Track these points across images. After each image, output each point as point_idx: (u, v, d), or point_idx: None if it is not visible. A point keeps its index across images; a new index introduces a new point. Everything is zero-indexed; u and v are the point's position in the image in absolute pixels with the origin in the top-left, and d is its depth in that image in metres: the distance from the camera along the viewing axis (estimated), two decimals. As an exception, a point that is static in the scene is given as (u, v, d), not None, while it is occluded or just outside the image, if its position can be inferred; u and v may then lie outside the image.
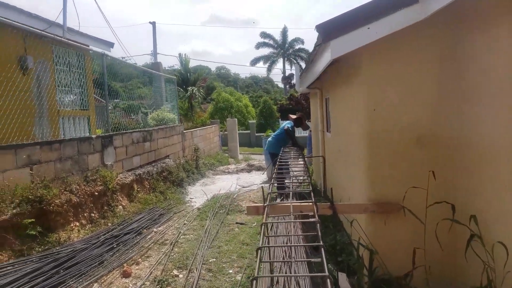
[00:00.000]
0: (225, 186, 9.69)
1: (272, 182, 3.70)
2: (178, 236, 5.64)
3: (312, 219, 2.69)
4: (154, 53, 20.91)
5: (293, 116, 8.16)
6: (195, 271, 4.35)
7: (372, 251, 3.27)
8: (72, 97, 7.94)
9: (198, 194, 9.06)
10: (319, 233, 2.45)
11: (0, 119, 4.95)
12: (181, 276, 4.28)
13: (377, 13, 2.91)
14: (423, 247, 3.03)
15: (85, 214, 5.56)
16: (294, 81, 19.08)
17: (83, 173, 5.84)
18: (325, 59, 3.45)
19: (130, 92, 10.08)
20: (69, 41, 6.74)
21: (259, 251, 2.26)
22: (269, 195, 3.43)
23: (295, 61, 41.54)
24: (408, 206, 3.14)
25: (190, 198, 8.65)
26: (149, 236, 5.69)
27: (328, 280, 1.72)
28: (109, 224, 5.85)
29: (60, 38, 6.60)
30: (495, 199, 2.66)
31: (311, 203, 3.28)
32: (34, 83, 6.43)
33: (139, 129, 8.30)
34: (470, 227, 2.73)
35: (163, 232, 5.90)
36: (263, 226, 2.62)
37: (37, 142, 5.07)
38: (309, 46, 45.27)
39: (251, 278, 1.90)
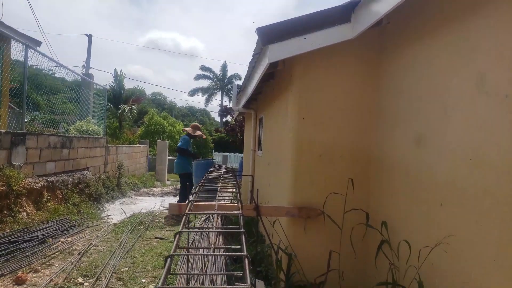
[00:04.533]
0: (147, 207, 9.17)
1: (200, 184, 3.58)
2: (88, 247, 5.13)
3: (236, 212, 2.61)
4: (87, 66, 19.87)
5: (187, 129, 8.68)
6: (103, 279, 3.94)
7: (291, 255, 3.27)
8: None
9: (116, 212, 8.45)
10: (241, 223, 2.38)
11: None
12: (86, 284, 3.85)
13: (314, 26, 3.11)
14: (338, 252, 3.11)
15: (-22, 216, 4.84)
16: (230, 115, 19.32)
17: (-17, 169, 5.14)
18: (263, 65, 3.56)
19: (53, 106, 9.27)
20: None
21: (178, 235, 2.12)
22: (194, 194, 3.30)
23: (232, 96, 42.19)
24: (327, 212, 3.25)
25: (107, 215, 8.03)
26: (54, 246, 5.09)
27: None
28: (7, 230, 5.14)
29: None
30: (399, 206, 2.88)
31: (236, 203, 3.22)
32: None
33: (58, 134, 7.64)
34: (381, 232, 2.89)
35: (72, 242, 5.33)
36: (184, 217, 2.48)
37: None
38: (247, 83, 46.61)
39: (166, 256, 1.62)
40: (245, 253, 1.87)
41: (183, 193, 8.22)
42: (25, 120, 8.01)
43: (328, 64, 3.46)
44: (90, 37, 23.85)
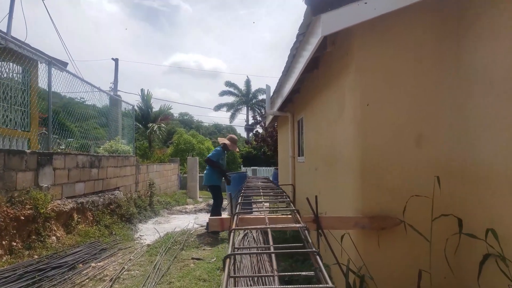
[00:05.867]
0: (181, 225, 8.74)
1: (240, 194, 3.05)
2: (120, 271, 4.67)
3: (298, 225, 2.04)
4: (115, 88, 20.06)
5: (225, 141, 7.88)
6: (137, 310, 3.44)
7: (363, 278, 2.62)
8: (10, 115, 7.01)
9: (149, 232, 8.05)
10: (309, 239, 1.82)
11: None
12: (118, 317, 3.36)
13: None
14: (428, 270, 2.44)
15: (4, 242, 4.50)
16: (260, 125, 18.82)
17: (8, 192, 4.82)
18: (311, 45, 2.98)
19: (85, 132, 9.47)
20: (7, 39, 5.89)
21: (228, 260, 1.58)
22: (238, 205, 2.77)
23: (258, 111, 41.89)
24: (407, 220, 2.57)
25: (140, 235, 7.63)
26: (84, 272, 4.67)
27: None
28: (35, 256, 4.78)
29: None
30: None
31: (289, 215, 2.66)
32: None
33: (87, 153, 7.37)
34: (488, 243, 2.20)
35: (103, 267, 4.89)
36: (232, 233, 1.95)
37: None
38: (272, 96, 46.29)
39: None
40: (330, 284, 1.33)
41: (215, 208, 7.58)
42: (62, 147, 7.90)
43: (393, 34, 2.82)
44: (116, 61, 24.28)
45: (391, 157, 2.74)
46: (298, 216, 2.28)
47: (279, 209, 2.77)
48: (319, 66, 4.00)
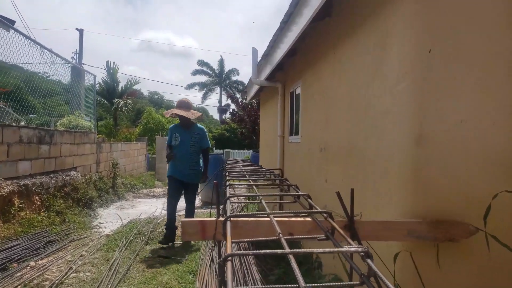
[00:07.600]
0: (148, 211, 7.82)
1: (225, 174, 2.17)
2: (66, 274, 3.71)
3: (352, 248, 1.16)
4: (79, 61, 18.33)
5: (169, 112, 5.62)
6: (79, 337, 2.53)
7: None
8: None
9: (111, 218, 7.09)
10: (383, 279, 0.96)
11: None
12: None
13: None
14: None
15: None
16: (239, 102, 17.68)
17: None
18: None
19: (49, 109, 8.39)
20: None
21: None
22: (227, 200, 1.88)
23: (231, 92, 40.63)
24: (490, 229, 1.66)
25: (100, 223, 6.65)
26: (19, 274, 3.68)
27: None
28: (-47, 254, 3.74)
29: None
30: None
31: (308, 218, 1.77)
32: None
33: (34, 127, 6.20)
34: None
35: (45, 267, 3.91)
36: (230, 263, 1.05)
37: None
38: (245, 78, 45.51)
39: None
40: None
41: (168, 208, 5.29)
42: (22, 123, 6.77)
43: None
44: (81, 31, 22.39)
45: (464, 134, 1.81)
46: (332, 222, 1.41)
47: (294, 212, 1.85)
48: (332, 12, 3.04)
